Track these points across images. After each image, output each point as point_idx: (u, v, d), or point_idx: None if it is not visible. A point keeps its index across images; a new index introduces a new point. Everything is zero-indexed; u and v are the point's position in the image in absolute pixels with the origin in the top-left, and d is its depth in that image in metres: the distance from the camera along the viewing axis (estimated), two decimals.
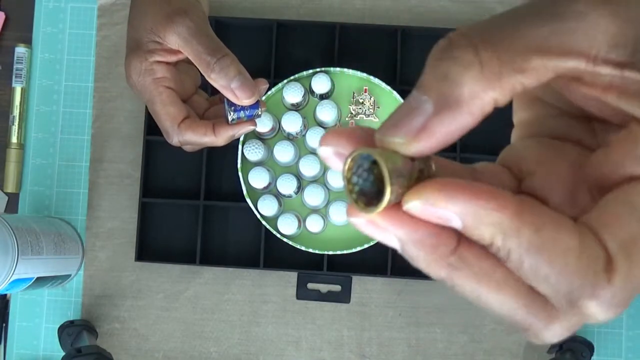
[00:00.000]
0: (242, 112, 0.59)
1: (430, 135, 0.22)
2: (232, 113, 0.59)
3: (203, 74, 0.58)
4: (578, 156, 0.25)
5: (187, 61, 0.60)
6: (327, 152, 0.23)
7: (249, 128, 0.60)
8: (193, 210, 0.75)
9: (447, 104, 0.21)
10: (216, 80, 0.57)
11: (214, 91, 0.60)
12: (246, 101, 0.58)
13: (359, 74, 0.73)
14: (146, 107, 0.75)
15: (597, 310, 0.21)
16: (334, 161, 0.23)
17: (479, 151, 0.73)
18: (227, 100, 0.58)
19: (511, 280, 0.22)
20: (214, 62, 0.57)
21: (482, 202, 0.21)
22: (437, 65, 0.22)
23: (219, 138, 0.60)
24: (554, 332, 0.23)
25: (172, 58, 0.59)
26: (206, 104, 0.64)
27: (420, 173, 0.23)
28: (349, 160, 0.23)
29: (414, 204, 0.22)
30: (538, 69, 0.21)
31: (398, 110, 0.22)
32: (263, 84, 0.60)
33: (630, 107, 0.22)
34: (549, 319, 0.22)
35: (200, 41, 0.57)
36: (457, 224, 0.22)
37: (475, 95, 0.21)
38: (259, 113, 0.60)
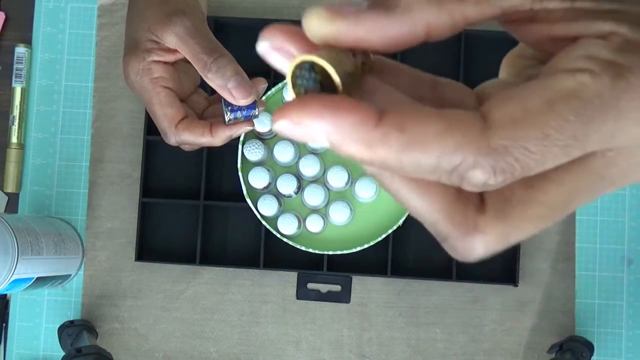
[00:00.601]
0: (239, 112, 0.59)
1: (357, 22, 0.22)
2: (229, 113, 0.59)
3: (200, 73, 0.58)
4: None
5: (186, 60, 0.60)
6: (265, 47, 0.23)
7: (246, 128, 0.60)
8: (193, 210, 0.75)
9: (381, 4, 0.22)
10: (213, 80, 0.57)
11: (213, 90, 0.60)
12: (243, 101, 0.58)
13: None
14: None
15: (482, 176, 0.21)
16: (273, 56, 0.23)
17: None
18: (224, 100, 0.58)
19: (433, 184, 0.23)
20: (211, 62, 0.57)
21: (343, 118, 0.21)
22: None
23: (216, 138, 0.60)
24: (471, 245, 0.23)
25: (170, 58, 0.60)
26: (205, 103, 0.64)
27: (363, 66, 0.23)
28: (294, 66, 0.22)
29: (282, 124, 0.21)
30: (481, 2, 0.22)
31: (336, 6, 0.22)
32: (262, 83, 0.60)
33: (577, 29, 0.22)
34: (468, 230, 0.23)
35: (198, 41, 0.57)
36: (324, 142, 0.21)
37: (410, 8, 0.22)
38: (256, 113, 0.59)
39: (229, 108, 0.59)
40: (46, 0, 0.78)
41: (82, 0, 0.78)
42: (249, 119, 0.60)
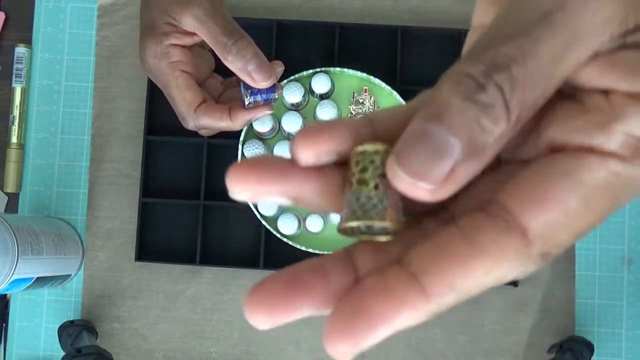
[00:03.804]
0: (258, 95, 0.58)
1: (457, 182, 0.21)
2: (248, 96, 0.58)
3: (219, 56, 0.57)
4: None
5: (201, 44, 0.59)
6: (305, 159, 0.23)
7: (265, 112, 0.60)
8: (193, 210, 0.75)
9: (476, 152, 0.21)
10: (233, 63, 0.57)
11: (227, 75, 0.59)
12: (263, 84, 0.57)
13: (359, 74, 0.73)
14: (146, 107, 0.75)
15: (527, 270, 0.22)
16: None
17: None
18: (244, 83, 0.58)
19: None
20: (231, 44, 0.56)
21: (399, 315, 0.21)
22: (467, 108, 0.20)
23: (236, 122, 0.59)
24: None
25: (188, 41, 0.59)
26: (221, 87, 0.64)
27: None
28: (358, 152, 0.22)
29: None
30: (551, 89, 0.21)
31: (420, 147, 0.20)
32: (279, 66, 0.60)
33: (615, 82, 0.21)
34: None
35: (217, 23, 0.57)
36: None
37: (500, 142, 0.21)
38: (276, 96, 0.59)
39: (249, 91, 0.58)
40: (46, 0, 0.78)
41: (82, 0, 0.78)
42: (268, 103, 0.59)
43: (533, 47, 0.20)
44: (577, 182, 0.21)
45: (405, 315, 0.21)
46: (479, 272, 0.21)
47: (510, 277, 0.21)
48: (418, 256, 0.21)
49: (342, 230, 0.22)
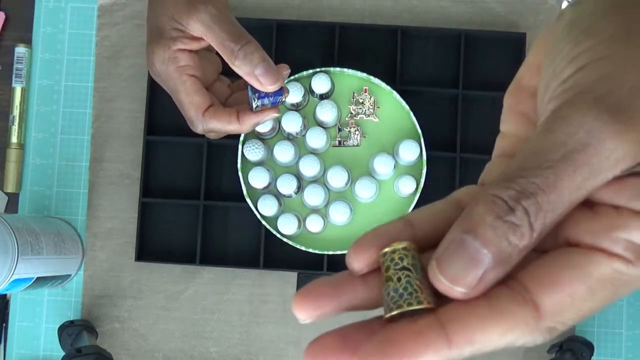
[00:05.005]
0: (266, 98, 0.59)
1: (485, 285, 0.25)
2: (256, 100, 0.59)
3: (227, 60, 0.58)
4: None
5: (208, 48, 0.60)
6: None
7: (273, 115, 0.60)
8: (193, 210, 0.75)
9: (503, 262, 0.25)
10: (240, 68, 0.57)
11: (235, 77, 0.60)
12: (270, 87, 0.58)
13: (359, 74, 0.73)
14: (146, 107, 0.75)
15: (535, 342, 0.25)
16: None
17: (477, 151, 0.73)
18: (251, 87, 0.58)
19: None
20: (238, 49, 0.57)
21: (423, 356, 0.25)
22: (498, 226, 0.24)
23: (243, 126, 0.60)
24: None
25: (195, 45, 0.59)
26: (228, 90, 0.64)
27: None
28: (387, 252, 0.26)
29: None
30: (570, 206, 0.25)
31: (457, 256, 0.25)
32: (285, 69, 0.60)
33: (625, 202, 0.26)
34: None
35: (223, 28, 0.57)
36: None
37: (523, 253, 0.25)
38: (283, 99, 0.59)
39: (256, 95, 0.58)
40: (46, 0, 0.78)
41: (82, 0, 0.78)
42: (275, 106, 0.60)
43: (557, 181, 0.24)
44: (586, 274, 0.25)
45: (429, 355, 0.24)
46: (495, 333, 0.24)
47: (519, 343, 0.25)
48: (449, 310, 0.25)
49: (386, 320, 0.26)
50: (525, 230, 0.25)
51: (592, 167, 0.24)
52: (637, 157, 0.25)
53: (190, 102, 0.59)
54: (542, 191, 0.24)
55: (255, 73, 0.57)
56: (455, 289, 0.25)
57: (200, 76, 0.61)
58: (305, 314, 0.27)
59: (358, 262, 0.27)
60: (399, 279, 0.26)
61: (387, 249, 0.26)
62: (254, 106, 0.59)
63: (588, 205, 0.26)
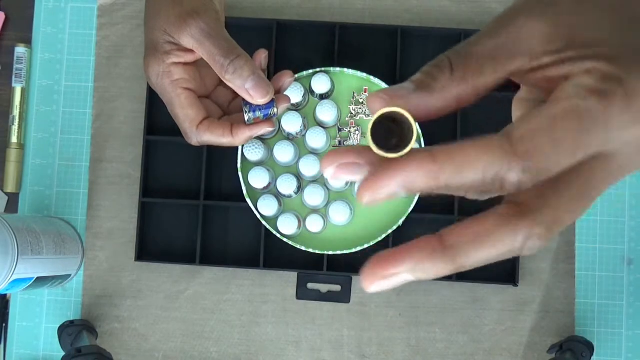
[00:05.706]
0: (257, 111, 0.59)
1: (409, 101, 0.30)
2: (248, 112, 0.59)
3: (218, 74, 0.58)
4: None
5: None
6: (331, 173, 0.31)
7: (266, 129, 0.60)
8: (193, 210, 0.75)
9: (422, 89, 0.30)
10: (231, 82, 0.58)
11: None
12: (261, 100, 0.58)
13: (359, 74, 0.73)
14: (146, 107, 0.75)
15: (515, 176, 0.27)
16: (340, 175, 0.31)
17: None
18: (244, 100, 0.58)
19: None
20: (228, 64, 0.57)
21: (414, 170, 0.28)
22: (425, 70, 0.30)
23: (237, 139, 0.60)
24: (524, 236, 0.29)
25: (190, 58, 0.59)
26: (231, 95, 0.64)
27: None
28: (377, 117, 0.30)
29: (375, 194, 0.29)
30: (493, 72, 0.30)
31: (390, 87, 0.30)
32: (288, 76, 0.61)
33: (566, 70, 0.29)
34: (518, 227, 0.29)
35: (214, 43, 0.57)
36: (401, 193, 0.29)
37: (444, 89, 0.30)
38: (275, 111, 0.60)
39: (248, 107, 0.59)
40: (46, 0, 0.78)
41: (82, 0, 0.78)
42: (268, 118, 0.60)
43: (479, 40, 0.31)
44: (547, 110, 0.28)
45: (414, 166, 0.28)
46: (471, 153, 0.28)
47: (496, 169, 0.27)
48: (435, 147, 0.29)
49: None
50: (445, 63, 0.30)
51: (504, 31, 0.30)
52: (551, 37, 0.29)
53: (185, 115, 0.60)
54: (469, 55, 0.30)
55: (246, 87, 0.57)
56: (381, 96, 0.30)
57: (196, 88, 0.61)
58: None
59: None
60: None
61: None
62: (246, 119, 0.59)
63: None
